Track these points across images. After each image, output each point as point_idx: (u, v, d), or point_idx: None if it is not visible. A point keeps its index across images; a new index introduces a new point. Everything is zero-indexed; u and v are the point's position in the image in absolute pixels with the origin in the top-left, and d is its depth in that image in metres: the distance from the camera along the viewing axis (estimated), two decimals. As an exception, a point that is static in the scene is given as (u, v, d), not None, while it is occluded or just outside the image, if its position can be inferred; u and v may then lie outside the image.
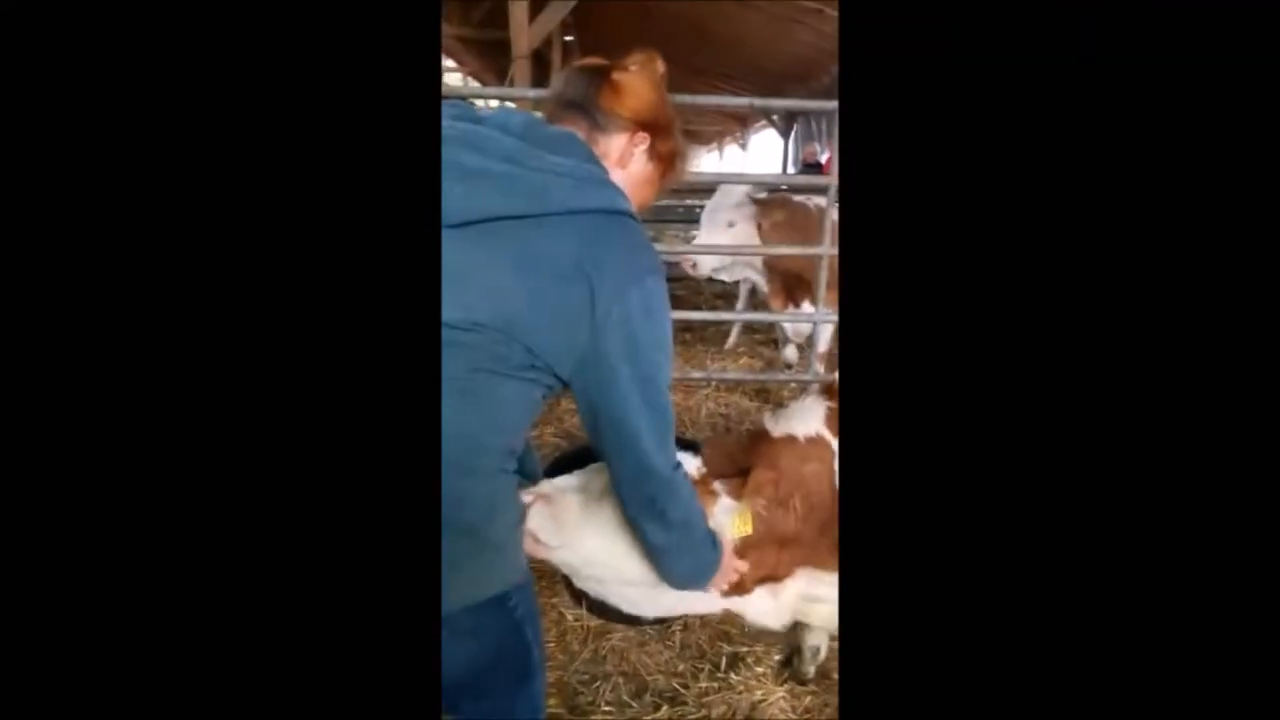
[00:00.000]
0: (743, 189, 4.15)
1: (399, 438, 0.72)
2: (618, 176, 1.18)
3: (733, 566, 1.41)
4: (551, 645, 2.16)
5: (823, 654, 2.04)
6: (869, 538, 0.68)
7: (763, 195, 4.24)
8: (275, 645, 0.67)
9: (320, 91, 0.71)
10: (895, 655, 0.66)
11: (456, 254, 1.01)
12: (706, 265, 4.24)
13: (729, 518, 1.40)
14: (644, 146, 1.22)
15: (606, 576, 1.41)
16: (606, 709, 1.93)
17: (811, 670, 2.03)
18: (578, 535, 1.36)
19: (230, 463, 0.68)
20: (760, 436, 1.55)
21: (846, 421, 0.72)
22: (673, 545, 1.24)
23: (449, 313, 1.00)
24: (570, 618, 2.27)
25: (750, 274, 4.47)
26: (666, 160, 1.26)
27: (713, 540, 1.31)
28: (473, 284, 1.02)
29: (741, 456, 1.49)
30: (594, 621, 2.25)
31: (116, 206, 0.65)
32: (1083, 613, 0.62)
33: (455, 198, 1.02)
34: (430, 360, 0.82)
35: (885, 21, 0.67)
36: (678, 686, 2.02)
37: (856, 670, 0.68)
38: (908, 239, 0.67)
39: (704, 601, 1.46)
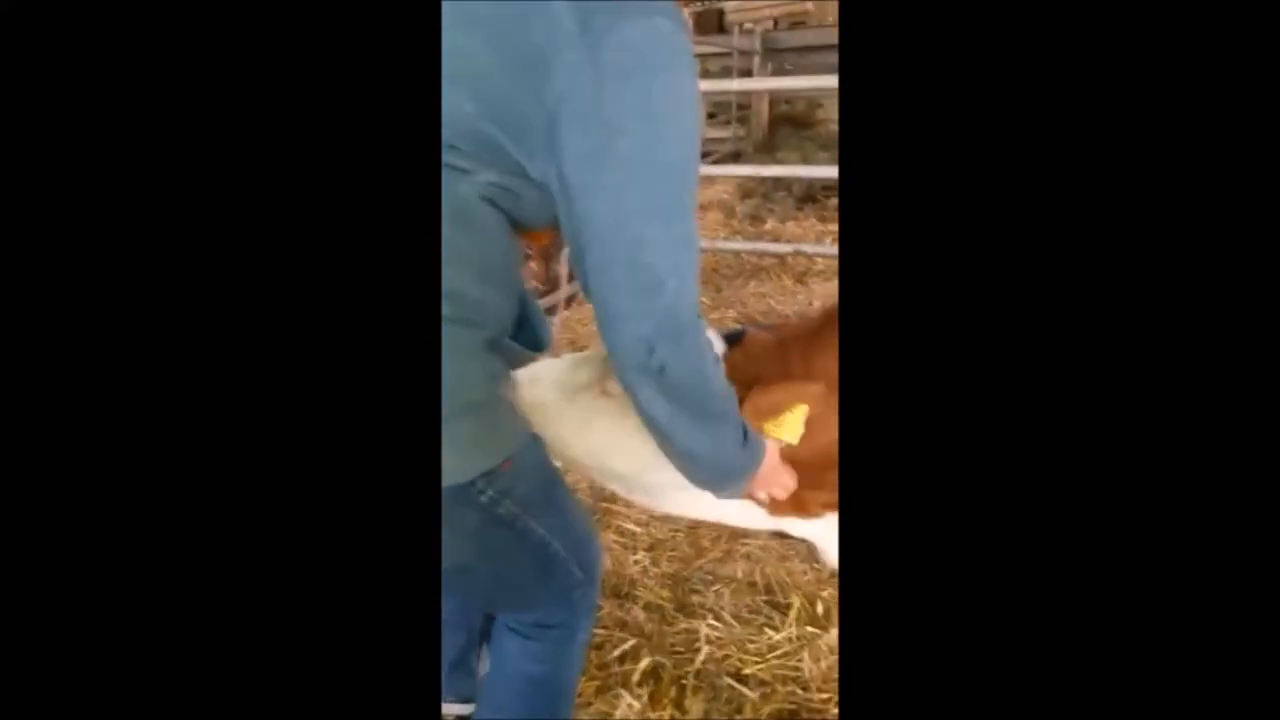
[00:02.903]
0: None
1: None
2: None
3: (777, 480, 0.99)
4: (679, 535, 1.92)
5: None
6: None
7: None
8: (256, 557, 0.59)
9: None
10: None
11: None
12: None
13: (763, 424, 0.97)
14: None
15: (591, 466, 1.10)
16: (712, 625, 1.64)
17: None
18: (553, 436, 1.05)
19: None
20: (831, 321, 1.04)
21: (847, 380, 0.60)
22: (678, 423, 0.84)
23: None
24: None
25: None
26: None
27: (744, 432, 0.90)
28: None
29: (799, 349, 1.03)
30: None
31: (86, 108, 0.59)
32: (1090, 568, 0.56)
33: None
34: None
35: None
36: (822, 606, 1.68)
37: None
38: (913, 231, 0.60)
39: (741, 513, 1.07)
